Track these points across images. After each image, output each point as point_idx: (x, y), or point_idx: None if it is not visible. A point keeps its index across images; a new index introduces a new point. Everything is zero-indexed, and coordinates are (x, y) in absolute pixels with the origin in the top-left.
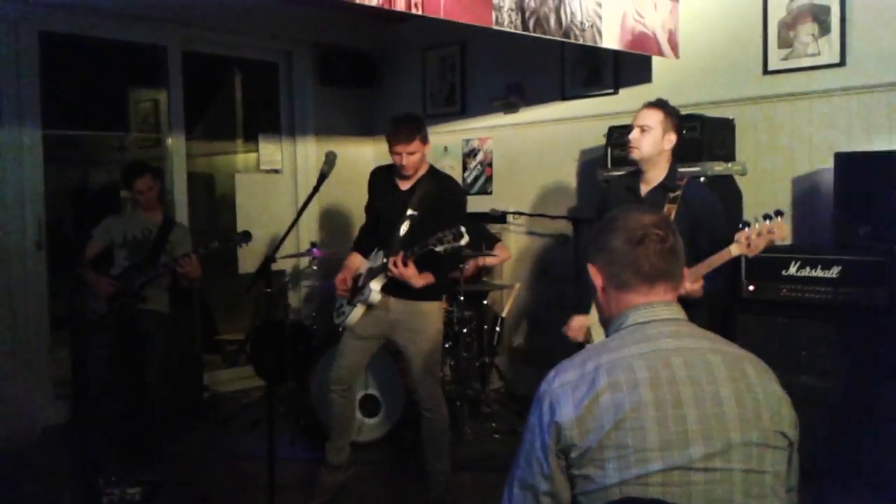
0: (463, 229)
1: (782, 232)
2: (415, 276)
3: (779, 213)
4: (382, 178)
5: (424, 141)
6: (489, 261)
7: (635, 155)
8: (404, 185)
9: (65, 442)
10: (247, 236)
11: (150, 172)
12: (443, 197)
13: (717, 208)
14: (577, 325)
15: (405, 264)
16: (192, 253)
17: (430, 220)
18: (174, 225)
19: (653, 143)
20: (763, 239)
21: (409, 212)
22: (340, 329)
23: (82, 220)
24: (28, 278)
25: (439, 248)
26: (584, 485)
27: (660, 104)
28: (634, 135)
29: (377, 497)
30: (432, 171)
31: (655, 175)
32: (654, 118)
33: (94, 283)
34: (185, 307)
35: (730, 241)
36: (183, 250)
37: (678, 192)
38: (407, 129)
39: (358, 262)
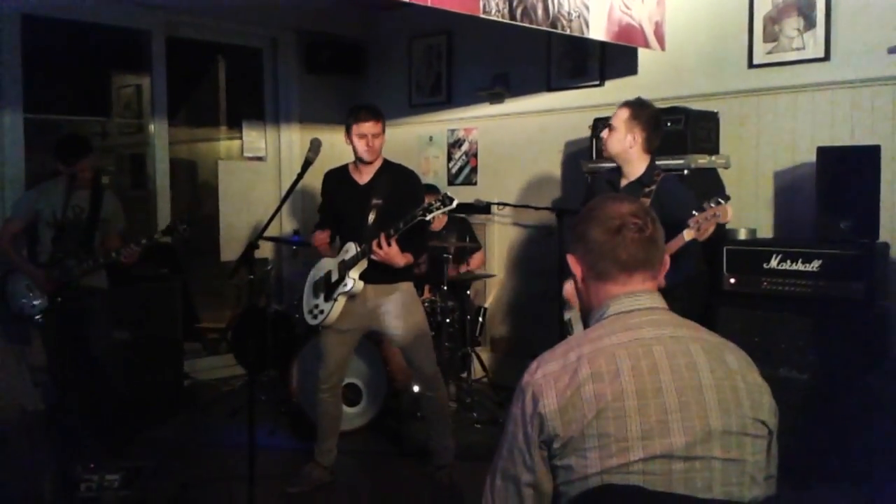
0: (450, 194)
1: (726, 215)
2: (398, 255)
3: (726, 198)
4: (338, 178)
5: (384, 128)
6: (464, 268)
7: (604, 152)
8: (363, 179)
9: (42, 429)
10: (184, 228)
11: (92, 152)
12: (401, 184)
13: (682, 200)
14: (572, 287)
15: (388, 244)
16: (135, 246)
17: (394, 206)
18: (103, 195)
19: (616, 141)
20: (710, 222)
21: (374, 201)
22: (319, 328)
23: None
24: None
25: (428, 217)
26: (566, 474)
27: (629, 104)
28: (604, 133)
29: (364, 488)
30: (387, 162)
31: (632, 171)
32: (620, 118)
33: (33, 276)
34: (124, 283)
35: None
36: (116, 224)
37: (653, 187)
38: (373, 110)
39: (327, 237)
